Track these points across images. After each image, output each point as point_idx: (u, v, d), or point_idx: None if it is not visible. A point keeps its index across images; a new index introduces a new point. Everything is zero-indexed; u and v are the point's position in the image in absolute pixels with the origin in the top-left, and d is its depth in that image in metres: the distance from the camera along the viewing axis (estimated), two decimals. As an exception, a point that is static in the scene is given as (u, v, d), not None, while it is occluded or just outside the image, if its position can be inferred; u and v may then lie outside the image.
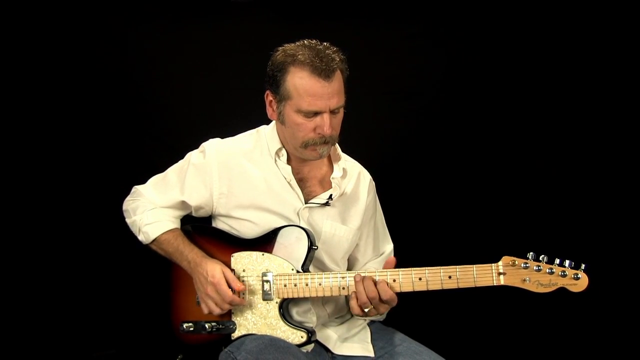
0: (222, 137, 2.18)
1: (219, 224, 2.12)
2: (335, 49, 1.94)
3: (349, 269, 2.23)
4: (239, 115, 2.85)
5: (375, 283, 1.86)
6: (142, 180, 2.25)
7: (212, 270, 1.93)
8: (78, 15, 2.93)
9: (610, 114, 2.93)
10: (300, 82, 1.88)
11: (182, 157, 2.22)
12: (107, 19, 2.98)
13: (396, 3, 3.05)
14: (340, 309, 2.16)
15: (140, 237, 2.12)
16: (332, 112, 1.92)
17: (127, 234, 2.29)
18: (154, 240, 2.09)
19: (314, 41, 1.94)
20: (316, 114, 1.90)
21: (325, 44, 1.94)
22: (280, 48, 1.97)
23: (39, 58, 2.91)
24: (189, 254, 2.01)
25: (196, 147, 2.18)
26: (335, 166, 2.13)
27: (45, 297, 2.91)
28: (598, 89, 2.94)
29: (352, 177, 2.17)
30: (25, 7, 2.87)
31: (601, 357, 2.86)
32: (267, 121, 2.17)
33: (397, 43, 3.07)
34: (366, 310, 1.87)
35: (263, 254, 1.98)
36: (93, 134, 2.99)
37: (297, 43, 1.95)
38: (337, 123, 1.96)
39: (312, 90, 1.87)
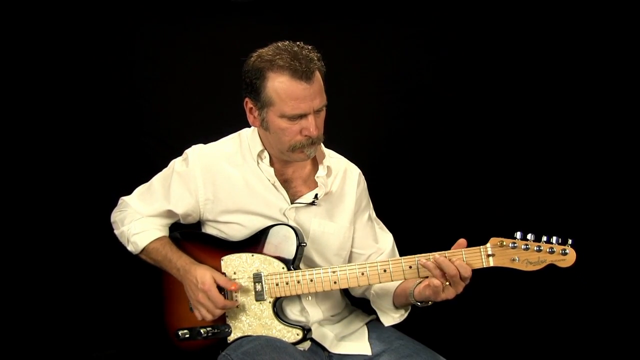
0: (221, 137, 2.19)
1: (208, 229, 2.12)
2: (310, 47, 1.91)
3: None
4: (239, 115, 2.83)
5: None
6: (143, 181, 2.24)
7: (202, 276, 1.93)
8: (75, 17, 2.89)
9: (595, 101, 2.92)
10: (281, 86, 1.85)
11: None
12: (105, 19, 2.93)
13: (395, 3, 3.02)
14: (336, 306, 2.17)
15: (130, 248, 2.13)
16: (316, 112, 1.90)
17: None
18: (142, 250, 2.10)
19: (287, 42, 1.90)
20: (301, 116, 1.88)
21: (299, 43, 1.90)
22: (254, 54, 1.93)
23: (40, 60, 2.87)
24: (177, 261, 2.01)
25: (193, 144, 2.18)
26: (319, 165, 2.12)
27: (45, 297, 2.91)
28: (584, 81, 2.93)
29: (338, 174, 2.16)
30: (26, 7, 2.82)
31: (595, 336, 2.91)
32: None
33: (396, 43, 3.04)
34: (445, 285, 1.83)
35: (253, 255, 1.99)
36: (92, 135, 2.96)
37: (271, 46, 1.91)
38: (321, 122, 1.95)
39: (294, 94, 1.84)
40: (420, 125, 3.07)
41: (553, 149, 2.97)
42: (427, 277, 1.90)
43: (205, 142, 2.16)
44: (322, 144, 2.11)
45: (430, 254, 1.87)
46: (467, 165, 3.04)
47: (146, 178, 2.24)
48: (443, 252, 1.86)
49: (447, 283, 1.82)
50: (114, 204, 2.28)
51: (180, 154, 2.17)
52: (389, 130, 3.07)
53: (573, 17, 2.91)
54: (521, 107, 3.00)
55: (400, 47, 3.04)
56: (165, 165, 2.20)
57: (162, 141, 2.99)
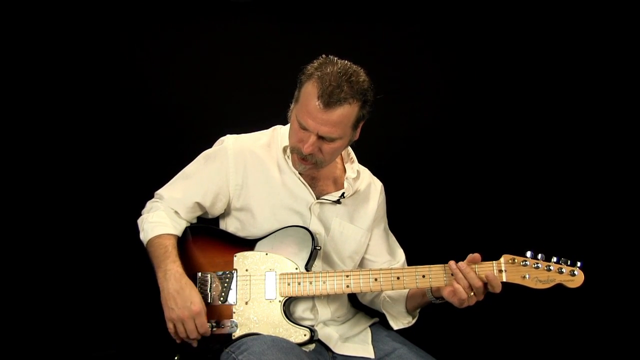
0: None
1: (230, 220, 2.14)
2: (365, 87, 1.90)
3: None
4: (239, 113, 2.87)
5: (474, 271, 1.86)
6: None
7: (194, 296, 1.91)
8: (76, 22, 2.95)
9: (609, 113, 2.95)
10: (306, 94, 1.90)
11: (179, 157, 2.25)
12: (106, 19, 2.99)
13: (397, 3, 3.07)
14: (343, 307, 2.19)
15: (141, 235, 2.11)
16: (323, 138, 1.92)
17: (126, 235, 2.31)
18: (150, 240, 2.06)
19: (354, 68, 1.91)
20: (305, 128, 1.92)
21: (359, 75, 1.91)
22: (325, 57, 1.95)
23: (52, 65, 2.93)
24: (170, 264, 1.96)
25: (195, 146, 2.21)
26: (349, 168, 2.19)
27: (45, 297, 2.91)
28: (597, 87, 2.96)
29: (364, 180, 2.24)
30: (36, 12, 2.88)
31: (597, 353, 2.91)
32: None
33: (397, 43, 3.08)
34: (470, 295, 1.86)
35: (267, 254, 2.01)
36: (92, 136, 2.99)
37: (339, 62, 1.91)
38: (327, 150, 1.97)
39: (309, 107, 1.88)
40: (434, 136, 3.10)
41: (572, 176, 3.00)
42: (438, 286, 1.95)
43: (209, 140, 2.20)
44: (352, 152, 2.21)
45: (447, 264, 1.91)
46: (482, 181, 3.06)
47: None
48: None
49: (472, 293, 1.86)
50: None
51: (178, 153, 2.22)
52: (402, 137, 3.09)
53: (579, 17, 2.94)
54: (545, 121, 3.02)
55: (404, 48, 3.07)
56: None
57: (161, 142, 3.01)
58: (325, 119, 1.87)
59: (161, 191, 2.19)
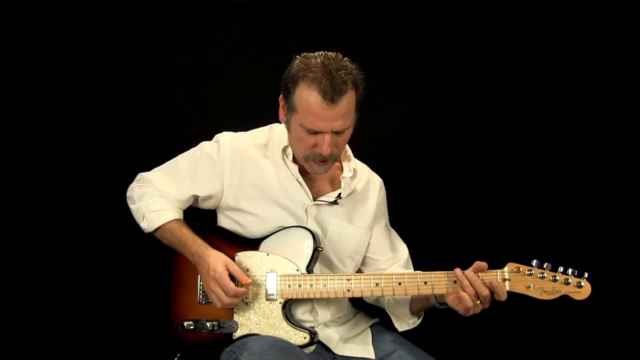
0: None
1: (225, 219, 2.13)
2: (352, 67, 1.89)
3: (367, 270, 2.24)
4: (240, 112, 2.86)
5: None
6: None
7: (214, 263, 1.91)
8: (74, 23, 2.97)
9: (613, 116, 2.93)
10: (305, 99, 1.87)
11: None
12: (108, 19, 3.00)
13: (398, 4, 3.07)
14: (343, 308, 2.16)
15: (143, 225, 2.09)
16: (337, 132, 1.91)
17: (127, 233, 2.32)
18: (157, 229, 2.06)
19: (332, 54, 1.90)
20: (317, 132, 1.90)
21: (342, 59, 1.89)
22: (300, 57, 1.94)
23: (53, 66, 2.95)
24: (192, 246, 1.99)
25: (195, 146, 2.19)
26: (345, 166, 2.16)
27: (46, 297, 2.91)
28: (602, 94, 2.95)
29: (362, 178, 2.21)
30: (38, 12, 2.90)
31: None
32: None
33: (397, 43, 3.08)
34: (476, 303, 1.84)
35: (268, 254, 1.99)
36: (92, 136, 3.00)
37: (316, 54, 1.90)
38: (341, 142, 1.96)
39: (315, 110, 1.85)
40: (438, 140, 3.09)
41: (580, 182, 2.97)
42: (441, 294, 1.92)
43: (208, 140, 2.19)
44: (349, 149, 2.17)
45: (452, 272, 1.88)
46: (486, 188, 3.04)
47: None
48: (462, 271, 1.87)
49: (479, 302, 1.84)
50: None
51: (181, 152, 2.19)
52: (406, 140, 3.08)
53: (578, 18, 2.93)
54: (551, 127, 3.00)
55: (404, 49, 3.06)
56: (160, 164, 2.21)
57: (160, 140, 2.97)
58: (335, 113, 1.86)
59: (150, 177, 2.16)
